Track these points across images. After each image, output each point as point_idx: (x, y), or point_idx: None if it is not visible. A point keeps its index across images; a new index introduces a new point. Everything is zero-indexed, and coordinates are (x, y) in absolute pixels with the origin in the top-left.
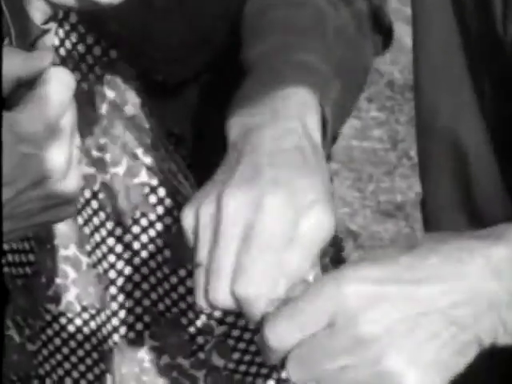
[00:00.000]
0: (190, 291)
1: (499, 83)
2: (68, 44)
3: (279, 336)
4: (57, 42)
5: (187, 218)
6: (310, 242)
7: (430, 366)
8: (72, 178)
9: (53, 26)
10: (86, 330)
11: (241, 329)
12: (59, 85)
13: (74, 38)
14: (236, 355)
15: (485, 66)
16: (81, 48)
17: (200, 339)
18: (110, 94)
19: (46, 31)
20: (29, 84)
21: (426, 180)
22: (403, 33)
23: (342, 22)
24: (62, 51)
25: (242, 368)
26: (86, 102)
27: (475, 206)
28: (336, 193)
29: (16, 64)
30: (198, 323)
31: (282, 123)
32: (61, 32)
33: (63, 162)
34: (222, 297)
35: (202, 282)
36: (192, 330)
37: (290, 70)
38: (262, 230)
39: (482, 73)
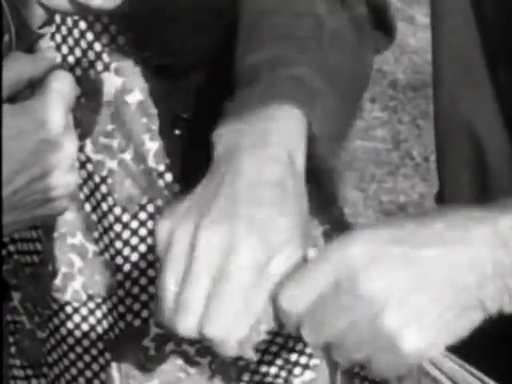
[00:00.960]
0: None
1: None
2: (76, 33)
3: (292, 300)
4: (64, 32)
5: (162, 232)
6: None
7: (430, 327)
8: (75, 173)
9: (48, 30)
10: (91, 319)
11: None
12: (67, 81)
13: (82, 25)
14: None
15: (503, 59)
16: (89, 36)
17: None
18: (118, 80)
19: (41, 35)
20: (33, 84)
21: (443, 172)
22: (406, 33)
23: (339, 26)
24: (70, 40)
25: None
26: (93, 89)
27: (492, 199)
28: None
29: (28, 66)
30: None
31: (266, 149)
32: (69, 21)
33: (74, 152)
34: (188, 330)
35: (170, 305)
36: None
37: (281, 86)
38: (233, 274)
39: (501, 66)
